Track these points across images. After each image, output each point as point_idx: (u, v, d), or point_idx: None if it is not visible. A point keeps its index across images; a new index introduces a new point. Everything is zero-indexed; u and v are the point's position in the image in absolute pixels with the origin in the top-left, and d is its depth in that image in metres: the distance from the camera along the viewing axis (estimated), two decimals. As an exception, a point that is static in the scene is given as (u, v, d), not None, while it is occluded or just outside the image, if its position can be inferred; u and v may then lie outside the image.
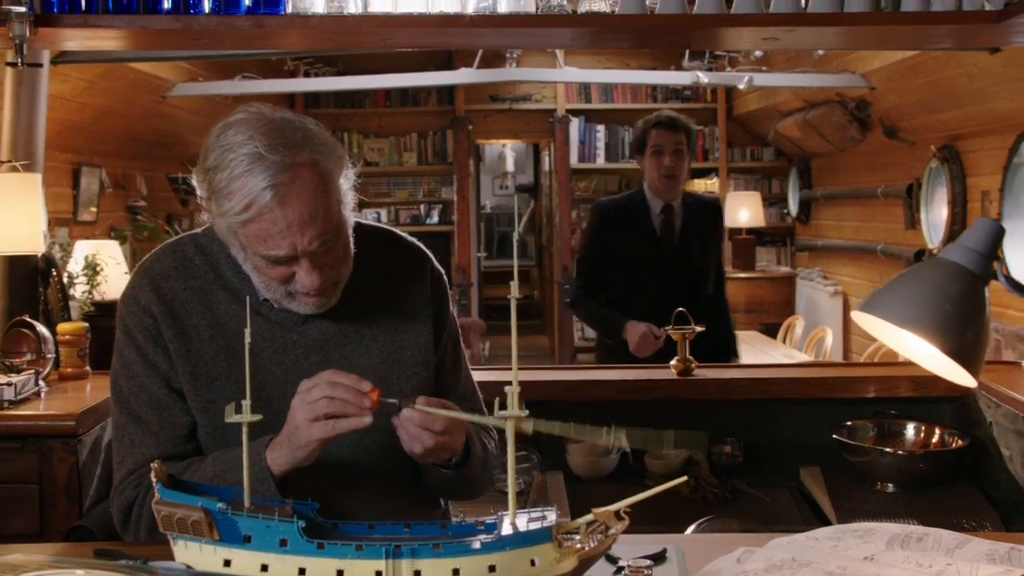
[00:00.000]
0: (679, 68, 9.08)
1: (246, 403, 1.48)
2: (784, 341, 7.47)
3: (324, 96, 10.45)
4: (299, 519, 1.45)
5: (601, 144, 10.55)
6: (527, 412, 1.48)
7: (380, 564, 1.41)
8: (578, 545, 1.45)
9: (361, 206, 10.63)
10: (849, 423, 3.00)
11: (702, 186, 10.67)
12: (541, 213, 13.95)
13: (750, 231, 9.55)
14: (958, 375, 1.53)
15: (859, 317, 1.56)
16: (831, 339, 7.36)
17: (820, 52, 6.46)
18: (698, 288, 4.34)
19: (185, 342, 2.06)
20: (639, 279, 4.32)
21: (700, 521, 2.44)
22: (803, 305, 9.15)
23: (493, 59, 8.93)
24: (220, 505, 1.44)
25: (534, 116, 10.59)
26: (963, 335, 1.46)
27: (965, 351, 1.47)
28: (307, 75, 9.33)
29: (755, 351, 6.43)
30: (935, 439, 2.95)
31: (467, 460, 2.07)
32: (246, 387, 1.49)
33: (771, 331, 7.89)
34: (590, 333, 10.62)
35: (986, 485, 2.90)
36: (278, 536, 1.43)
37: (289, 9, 2.82)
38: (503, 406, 1.48)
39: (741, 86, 7.09)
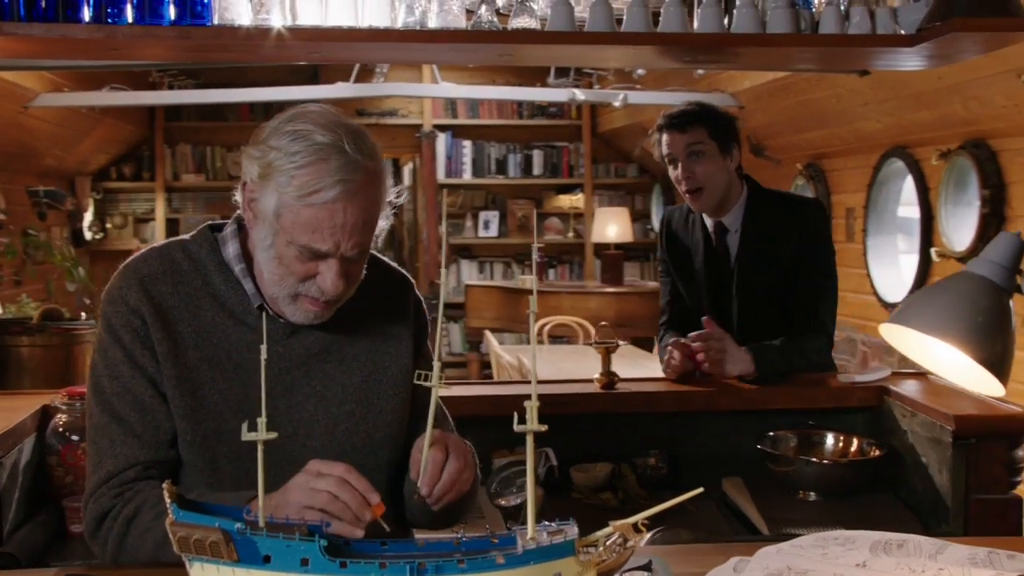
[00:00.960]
0: (544, 84, 9.18)
1: (262, 420, 1.45)
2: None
3: (186, 109, 10.26)
4: (319, 538, 1.42)
5: (468, 159, 10.61)
6: (546, 427, 1.49)
7: (404, 582, 1.40)
8: (599, 558, 1.46)
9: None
10: (772, 434, 3.07)
11: (567, 202, 10.81)
12: (402, 229, 13.91)
13: (618, 246, 9.70)
14: (987, 384, 1.60)
15: (887, 329, 1.61)
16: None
17: (700, 72, 6.60)
18: (770, 306, 3.49)
19: (172, 346, 2.03)
20: (705, 300, 3.58)
21: (653, 532, 2.47)
22: (668, 319, 9.31)
23: (360, 73, 8.87)
24: (238, 525, 1.41)
25: (400, 131, 10.58)
26: (994, 346, 1.53)
27: (996, 361, 1.54)
28: (171, 87, 9.15)
29: (634, 364, 6.52)
30: (853, 448, 3.04)
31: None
32: (262, 403, 1.46)
33: (642, 344, 8.00)
34: (457, 347, 10.64)
35: (901, 492, 3.00)
36: (299, 556, 1.41)
37: (216, 21, 2.78)
38: (522, 420, 1.49)
39: (616, 103, 7.20)
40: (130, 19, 2.73)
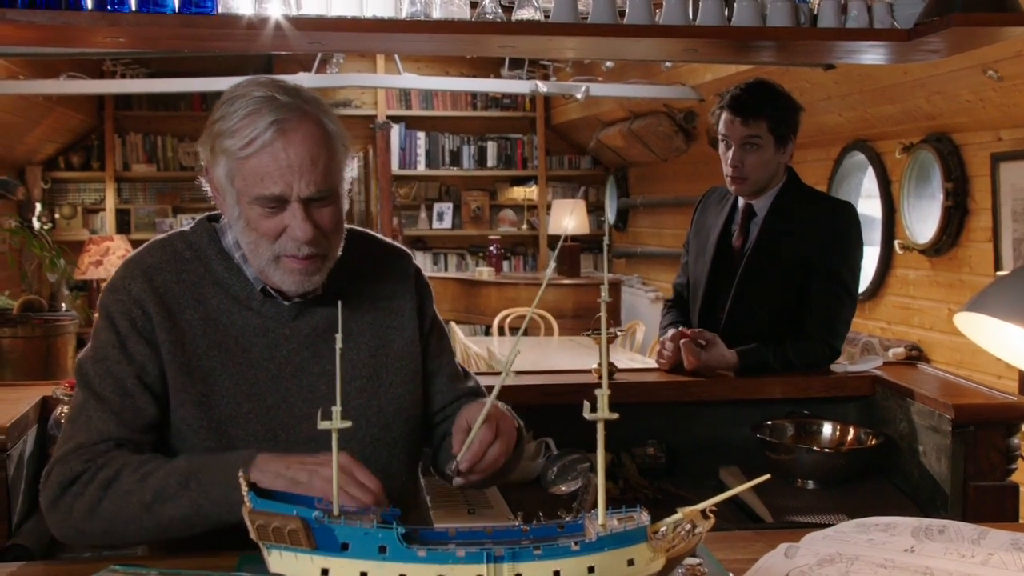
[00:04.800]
0: (498, 76, 9.20)
1: (336, 409, 1.45)
2: (626, 347, 7.63)
3: (136, 98, 10.13)
4: (396, 526, 1.43)
5: (421, 150, 10.58)
6: (617, 415, 1.50)
7: (481, 568, 1.41)
8: (669, 544, 1.48)
9: (175, 211, 10.39)
10: (770, 423, 3.11)
11: (521, 193, 10.83)
12: (351, 221, 13.86)
13: (574, 238, 9.73)
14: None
15: (962, 318, 1.63)
16: (641, 334, 7.67)
17: (668, 65, 6.64)
18: (766, 301, 3.43)
19: (179, 335, 2.04)
20: (704, 279, 3.55)
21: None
22: (624, 311, 9.38)
23: (319, 65, 8.80)
24: (316, 513, 1.41)
25: (353, 122, 10.51)
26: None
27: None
28: (123, 76, 9.04)
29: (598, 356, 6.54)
30: (850, 437, 3.08)
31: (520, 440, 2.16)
32: (336, 389, 1.45)
33: (601, 336, 8.02)
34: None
35: (896, 479, 3.04)
36: (377, 543, 1.41)
37: (219, 9, 2.75)
38: (593, 409, 1.50)
39: (579, 96, 7.21)
40: (133, 7, 2.70)
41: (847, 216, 3.44)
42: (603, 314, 1.55)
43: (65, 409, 2.76)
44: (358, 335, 2.15)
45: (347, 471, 1.78)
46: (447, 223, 10.71)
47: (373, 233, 2.33)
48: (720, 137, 3.43)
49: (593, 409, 1.52)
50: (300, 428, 2.05)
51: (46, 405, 2.82)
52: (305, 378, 2.09)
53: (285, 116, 1.94)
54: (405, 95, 10.50)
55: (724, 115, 3.40)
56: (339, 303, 1.71)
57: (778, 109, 3.39)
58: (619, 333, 3.18)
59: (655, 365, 3.45)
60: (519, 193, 10.87)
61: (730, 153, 3.39)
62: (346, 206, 2.09)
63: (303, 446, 2.02)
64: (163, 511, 1.86)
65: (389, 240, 2.36)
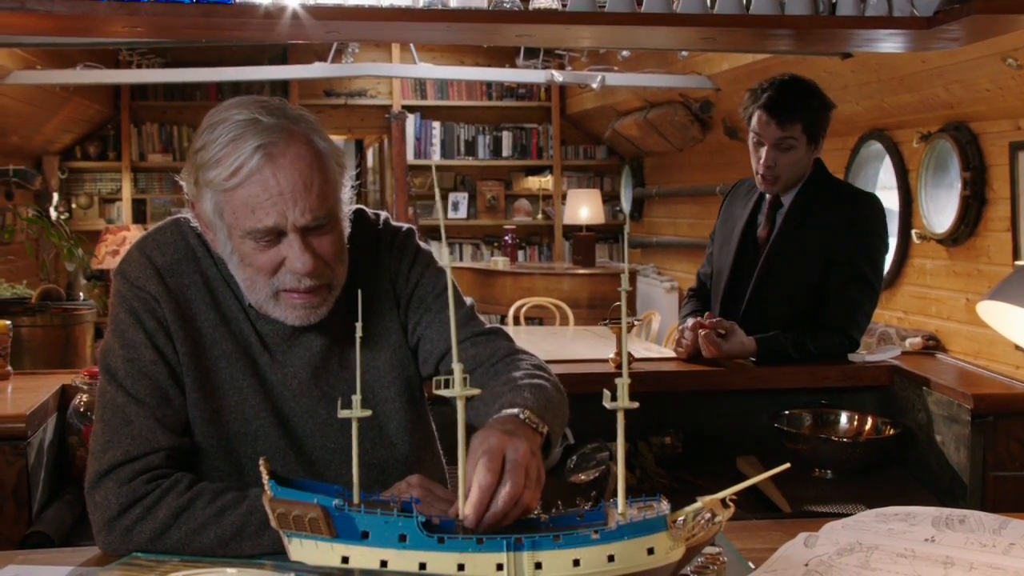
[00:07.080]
0: (513, 65, 9.18)
1: (356, 398, 1.45)
2: (642, 336, 7.61)
3: (152, 88, 10.14)
4: (416, 514, 1.43)
5: (437, 140, 10.58)
6: (637, 404, 1.50)
7: (501, 557, 1.41)
8: (689, 533, 1.48)
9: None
10: (787, 412, 3.11)
11: (536, 183, 10.82)
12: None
13: (589, 228, 9.71)
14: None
15: (984, 306, 1.63)
16: (656, 324, 7.66)
17: (684, 54, 6.61)
18: (785, 290, 3.41)
19: (194, 345, 1.94)
20: (730, 274, 3.53)
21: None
22: (640, 300, 9.37)
23: (326, 52, 8.78)
24: (336, 502, 1.41)
25: (369, 112, 10.54)
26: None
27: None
28: (139, 66, 9.05)
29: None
30: (868, 427, 3.08)
31: (548, 446, 1.97)
32: (357, 383, 1.45)
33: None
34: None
35: (914, 469, 3.04)
36: (397, 532, 1.41)
37: (237, -1, 2.76)
38: (613, 397, 1.50)
39: (594, 85, 7.19)
40: (152, -6, 2.70)
41: (870, 208, 3.40)
42: (622, 303, 1.54)
43: (84, 398, 2.77)
44: (351, 356, 2.01)
45: (427, 488, 1.80)
46: (462, 213, 10.71)
47: (362, 208, 2.14)
48: (752, 135, 3.37)
49: (613, 398, 1.50)
50: (301, 450, 2.00)
51: (65, 394, 2.84)
52: (305, 402, 2.00)
53: (271, 139, 1.80)
54: (420, 85, 10.51)
55: (759, 114, 3.33)
56: (359, 290, 1.65)
57: (813, 110, 3.33)
58: (636, 323, 3.15)
59: (671, 354, 3.46)
60: (534, 183, 10.86)
61: (763, 151, 3.32)
62: (347, 229, 1.96)
63: (300, 470, 1.98)
64: (241, 548, 1.77)
65: (365, 221, 2.13)
